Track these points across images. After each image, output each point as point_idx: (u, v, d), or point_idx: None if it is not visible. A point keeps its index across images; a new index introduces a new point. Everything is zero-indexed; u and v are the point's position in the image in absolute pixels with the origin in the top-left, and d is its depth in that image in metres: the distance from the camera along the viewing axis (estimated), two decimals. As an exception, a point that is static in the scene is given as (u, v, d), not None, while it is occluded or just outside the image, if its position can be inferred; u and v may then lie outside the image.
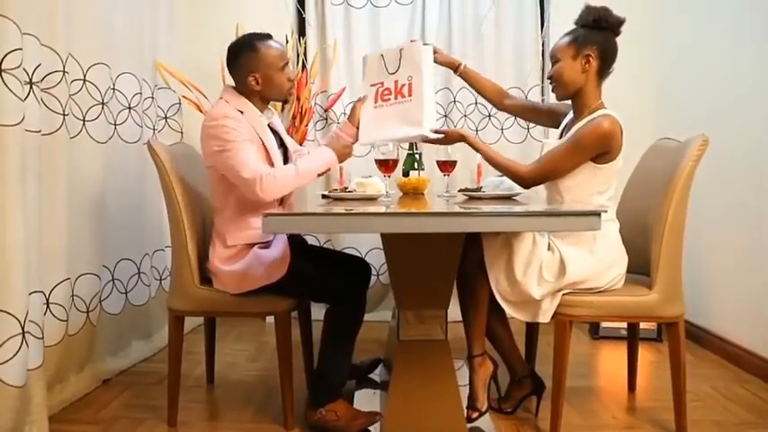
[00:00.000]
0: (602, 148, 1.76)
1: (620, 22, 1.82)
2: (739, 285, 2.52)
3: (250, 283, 1.85)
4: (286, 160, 1.99)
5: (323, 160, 1.84)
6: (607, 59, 1.82)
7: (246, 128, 1.81)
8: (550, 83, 1.90)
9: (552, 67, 1.88)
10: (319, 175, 1.86)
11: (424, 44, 1.97)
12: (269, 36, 1.90)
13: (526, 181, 1.87)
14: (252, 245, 1.86)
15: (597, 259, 1.79)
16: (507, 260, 1.81)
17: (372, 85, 1.98)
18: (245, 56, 1.84)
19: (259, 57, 1.84)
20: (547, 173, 1.83)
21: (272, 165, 1.86)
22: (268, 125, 1.93)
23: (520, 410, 2.02)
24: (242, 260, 1.85)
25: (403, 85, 1.90)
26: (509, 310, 1.84)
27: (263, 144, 1.86)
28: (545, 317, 1.80)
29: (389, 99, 1.93)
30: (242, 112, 1.83)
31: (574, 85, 1.84)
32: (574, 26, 1.87)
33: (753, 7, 2.43)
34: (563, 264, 1.76)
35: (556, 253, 1.79)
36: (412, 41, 2.00)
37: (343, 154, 1.91)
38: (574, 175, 1.81)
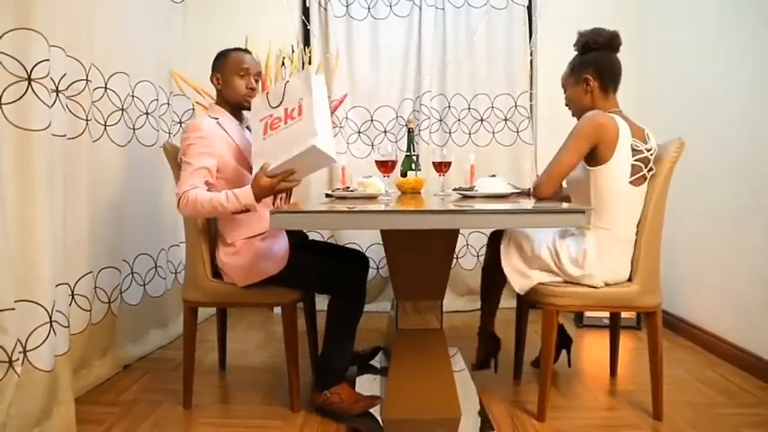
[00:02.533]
0: (596, 136, 1.72)
1: (612, 37, 1.84)
2: (712, 278, 2.54)
3: (255, 275, 1.86)
4: None
5: (240, 198, 1.71)
6: (605, 75, 1.83)
7: (217, 136, 1.84)
8: (569, 108, 1.97)
9: (565, 94, 1.96)
10: (236, 213, 1.75)
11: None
12: (245, 50, 1.98)
13: (536, 189, 1.83)
14: (250, 238, 1.88)
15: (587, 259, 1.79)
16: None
17: (261, 120, 1.76)
18: (217, 61, 1.95)
19: (225, 60, 1.93)
20: (550, 171, 1.79)
21: (249, 165, 1.88)
22: (247, 127, 1.98)
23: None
24: (245, 255, 1.87)
25: (293, 109, 1.70)
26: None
27: (238, 146, 1.89)
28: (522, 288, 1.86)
29: (279, 126, 1.71)
30: (217, 119, 1.90)
31: (583, 106, 1.87)
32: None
33: (728, 18, 2.45)
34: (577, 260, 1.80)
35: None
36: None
37: (260, 190, 1.71)
38: (571, 183, 1.85)
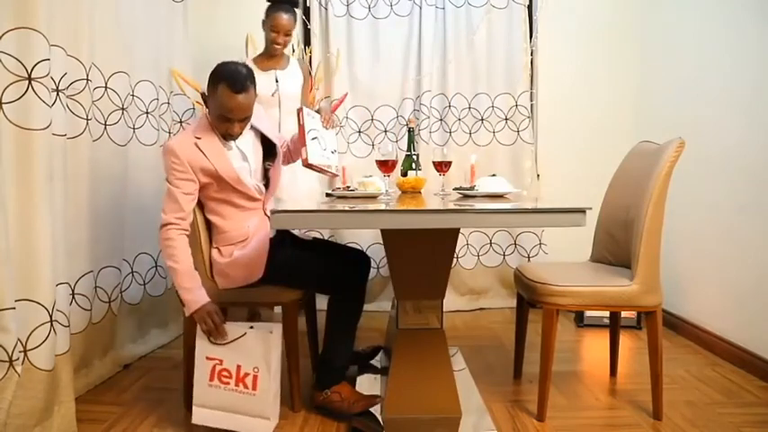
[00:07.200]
0: None
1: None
2: (712, 277, 2.54)
3: (230, 281, 1.87)
4: (266, 158, 1.98)
5: (181, 292, 1.75)
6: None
7: (193, 161, 1.76)
8: (280, 45, 2.56)
9: (285, 36, 2.55)
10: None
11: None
12: (243, 86, 1.70)
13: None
14: (230, 245, 1.87)
15: None
16: None
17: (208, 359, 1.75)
18: (211, 76, 1.75)
19: (214, 90, 1.73)
20: None
21: (235, 185, 1.82)
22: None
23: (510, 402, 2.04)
24: (225, 260, 1.87)
25: (246, 375, 1.72)
26: None
27: (217, 170, 1.79)
28: None
29: (229, 383, 1.73)
30: (198, 138, 1.78)
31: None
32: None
33: (729, 17, 2.45)
34: None
35: None
36: None
37: (199, 309, 1.74)
38: None
